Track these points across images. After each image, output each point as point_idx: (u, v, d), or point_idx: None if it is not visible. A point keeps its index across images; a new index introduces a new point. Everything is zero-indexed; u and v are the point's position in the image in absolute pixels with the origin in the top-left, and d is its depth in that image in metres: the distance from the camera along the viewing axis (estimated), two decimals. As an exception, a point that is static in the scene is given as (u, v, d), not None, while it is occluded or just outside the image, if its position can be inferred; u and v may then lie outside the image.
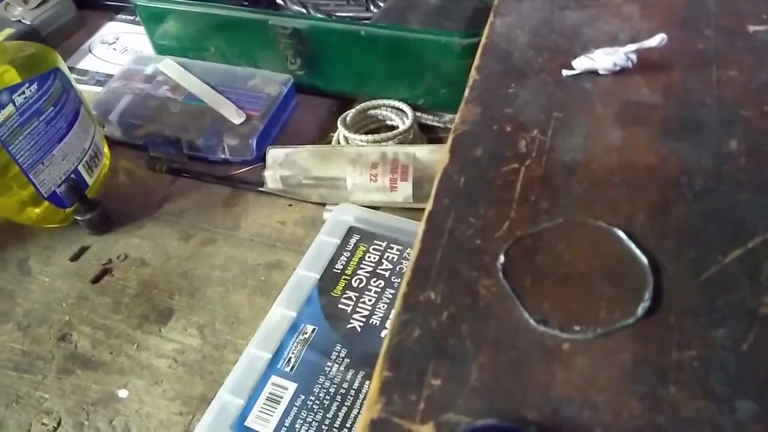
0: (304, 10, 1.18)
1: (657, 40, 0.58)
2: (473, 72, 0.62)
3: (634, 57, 0.59)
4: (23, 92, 0.79)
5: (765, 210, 0.48)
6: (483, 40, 0.66)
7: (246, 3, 1.21)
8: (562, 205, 0.50)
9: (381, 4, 1.15)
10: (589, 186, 0.51)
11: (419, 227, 0.49)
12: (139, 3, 1.07)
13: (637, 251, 0.46)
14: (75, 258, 0.88)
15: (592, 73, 0.61)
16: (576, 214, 0.49)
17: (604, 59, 0.59)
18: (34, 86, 0.81)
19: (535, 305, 0.44)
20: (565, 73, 0.61)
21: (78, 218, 0.88)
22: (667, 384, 0.39)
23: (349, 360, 0.68)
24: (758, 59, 0.61)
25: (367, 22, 1.07)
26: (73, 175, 0.88)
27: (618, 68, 0.60)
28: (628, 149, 0.54)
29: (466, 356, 0.42)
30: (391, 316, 0.44)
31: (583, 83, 0.60)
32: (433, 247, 0.48)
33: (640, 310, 0.43)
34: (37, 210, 0.87)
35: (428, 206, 0.51)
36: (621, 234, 0.47)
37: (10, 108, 0.78)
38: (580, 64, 0.60)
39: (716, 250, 0.46)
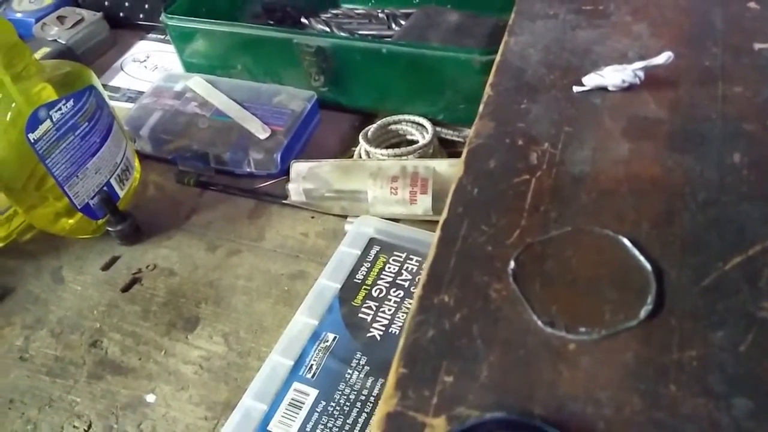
0: (327, 29, 1.21)
1: (664, 57, 0.60)
2: (488, 88, 0.64)
3: (641, 74, 0.61)
4: (60, 108, 0.82)
5: (765, 219, 0.50)
6: (497, 58, 0.68)
7: (271, 22, 1.25)
8: (570, 215, 0.52)
9: (403, 23, 1.18)
10: (597, 196, 0.53)
11: (435, 234, 0.52)
12: (169, 23, 1.11)
13: (641, 258, 0.48)
14: (106, 267, 0.90)
15: (602, 90, 0.63)
16: (583, 222, 0.51)
17: (613, 76, 0.61)
18: (70, 103, 0.84)
19: (543, 308, 0.46)
20: (575, 89, 0.63)
21: (109, 229, 0.91)
22: (668, 382, 0.41)
23: (368, 368, 0.69)
24: (763, 76, 0.62)
25: (389, 40, 1.09)
26: (105, 188, 0.91)
27: (626, 85, 0.62)
28: (634, 162, 0.56)
29: (477, 355, 0.44)
30: (407, 318, 0.46)
31: (592, 99, 0.63)
32: (447, 253, 0.50)
33: (643, 313, 0.45)
34: (70, 221, 0.89)
35: (443, 215, 0.53)
36: (626, 242, 0.49)
37: (47, 123, 0.80)
38: (590, 80, 0.62)
39: (717, 257, 0.48)
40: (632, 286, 0.46)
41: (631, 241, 0.49)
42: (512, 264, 0.49)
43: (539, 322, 0.45)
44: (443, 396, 0.42)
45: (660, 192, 0.53)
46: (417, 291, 0.48)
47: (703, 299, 0.45)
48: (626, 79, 0.61)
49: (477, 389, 0.42)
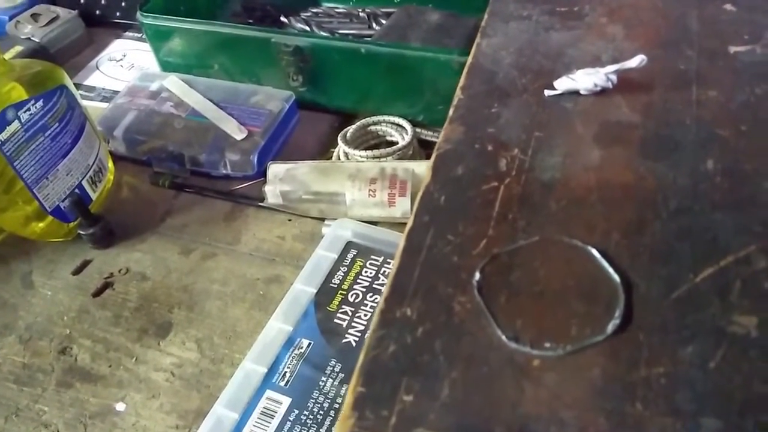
0: (307, 28, 1.20)
1: (636, 61, 0.59)
2: (458, 92, 0.63)
3: (614, 77, 0.60)
4: (29, 109, 0.81)
5: (738, 229, 0.49)
6: (469, 60, 0.67)
7: (250, 21, 1.23)
8: (539, 224, 0.51)
9: (383, 22, 1.17)
10: (566, 205, 0.52)
11: (399, 244, 0.51)
12: (145, 21, 1.09)
13: (610, 269, 0.47)
14: (77, 272, 0.89)
15: (574, 94, 0.62)
16: (552, 232, 0.50)
17: (584, 80, 0.60)
18: (40, 103, 0.82)
19: (508, 322, 0.45)
20: (546, 93, 0.62)
21: (81, 232, 0.89)
22: (634, 400, 0.40)
23: (343, 375, 0.68)
24: (738, 80, 0.61)
25: (368, 39, 1.08)
26: (77, 190, 0.89)
27: (599, 89, 0.60)
28: (606, 168, 0.55)
29: (438, 372, 0.42)
30: (369, 332, 0.45)
31: (564, 103, 0.61)
32: (411, 263, 0.49)
33: (610, 328, 0.43)
34: (41, 224, 0.88)
35: (408, 223, 0.52)
36: (595, 252, 0.48)
37: (15, 124, 0.79)
38: (562, 84, 0.61)
39: (688, 269, 0.46)
40: (600, 299, 0.45)
41: (600, 252, 0.48)
42: (477, 275, 0.47)
43: (503, 337, 0.44)
44: (402, 416, 0.40)
45: (631, 200, 0.52)
46: (379, 304, 0.46)
47: (673, 313, 0.44)
48: (599, 82, 0.60)
49: (437, 409, 0.40)
